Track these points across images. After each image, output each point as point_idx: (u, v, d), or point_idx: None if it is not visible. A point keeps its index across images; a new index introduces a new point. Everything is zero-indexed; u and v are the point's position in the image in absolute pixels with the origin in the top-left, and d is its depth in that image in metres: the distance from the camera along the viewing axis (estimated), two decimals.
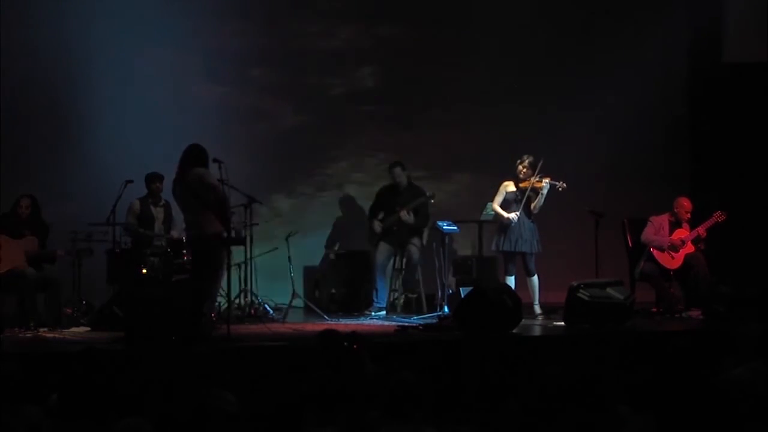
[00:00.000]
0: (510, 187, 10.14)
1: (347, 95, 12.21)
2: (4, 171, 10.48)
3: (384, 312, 10.59)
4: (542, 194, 9.96)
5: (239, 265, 10.13)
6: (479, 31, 12.35)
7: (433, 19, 12.35)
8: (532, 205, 10.02)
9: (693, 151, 12.58)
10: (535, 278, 10.11)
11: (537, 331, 9.27)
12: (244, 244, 10.09)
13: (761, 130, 11.92)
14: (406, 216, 10.64)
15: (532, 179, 10.00)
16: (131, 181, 9.87)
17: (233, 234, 9.28)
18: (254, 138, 11.86)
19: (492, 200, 10.29)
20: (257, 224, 10.23)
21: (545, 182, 9.91)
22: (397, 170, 10.84)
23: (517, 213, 9.98)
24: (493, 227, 10.40)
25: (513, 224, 10.00)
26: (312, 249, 11.37)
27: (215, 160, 8.94)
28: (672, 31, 12.38)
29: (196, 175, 8.41)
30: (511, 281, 9.97)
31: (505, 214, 10.04)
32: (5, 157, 10.61)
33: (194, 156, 8.56)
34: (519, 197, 10.05)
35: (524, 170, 10.08)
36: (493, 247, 10.22)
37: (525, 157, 10.11)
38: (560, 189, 9.92)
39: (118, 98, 11.38)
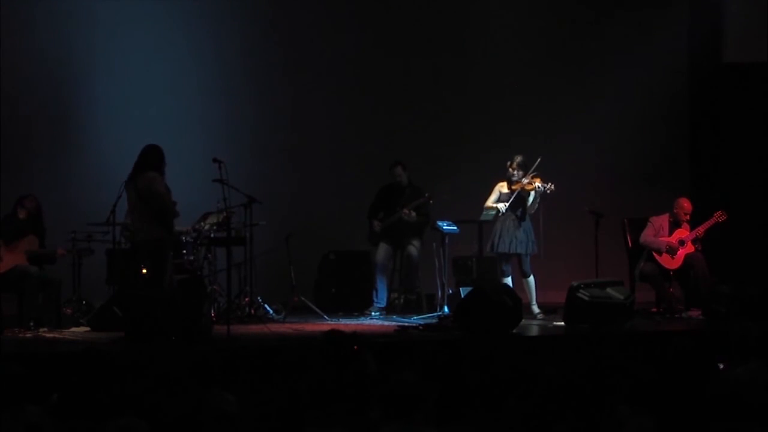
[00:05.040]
0: (504, 188, 10.13)
1: (348, 95, 12.21)
2: (4, 172, 10.48)
3: (384, 312, 10.59)
4: (535, 197, 9.94)
5: (239, 265, 10.14)
6: (480, 30, 12.37)
7: (435, 18, 12.36)
8: (529, 206, 10.02)
9: (693, 151, 12.58)
10: (531, 279, 10.11)
11: (537, 331, 9.27)
12: (244, 244, 10.11)
13: (761, 130, 11.92)
14: (408, 215, 10.64)
15: (524, 180, 9.99)
16: None
17: (233, 234, 9.34)
18: (255, 137, 11.87)
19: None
20: (257, 224, 10.22)
21: (536, 185, 9.90)
22: (398, 170, 10.84)
23: (506, 205, 9.97)
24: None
25: (501, 218, 9.98)
26: (312, 249, 11.37)
27: (215, 160, 8.96)
28: (672, 31, 12.39)
29: (146, 180, 8.40)
30: (508, 282, 9.96)
31: (492, 204, 10.04)
32: (5, 157, 10.62)
33: (148, 158, 8.52)
34: (510, 197, 10.04)
35: (514, 171, 10.06)
36: (488, 249, 10.22)
37: (515, 157, 10.09)
38: (548, 192, 9.90)
39: (118, 98, 11.39)
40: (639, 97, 12.12)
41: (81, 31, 11.35)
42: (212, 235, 9.95)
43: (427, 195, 10.71)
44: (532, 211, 10.05)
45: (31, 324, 9.03)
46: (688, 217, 10.30)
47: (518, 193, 9.97)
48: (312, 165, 12.09)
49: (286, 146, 12.04)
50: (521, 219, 10.04)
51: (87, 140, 11.38)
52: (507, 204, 9.97)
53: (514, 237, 10.01)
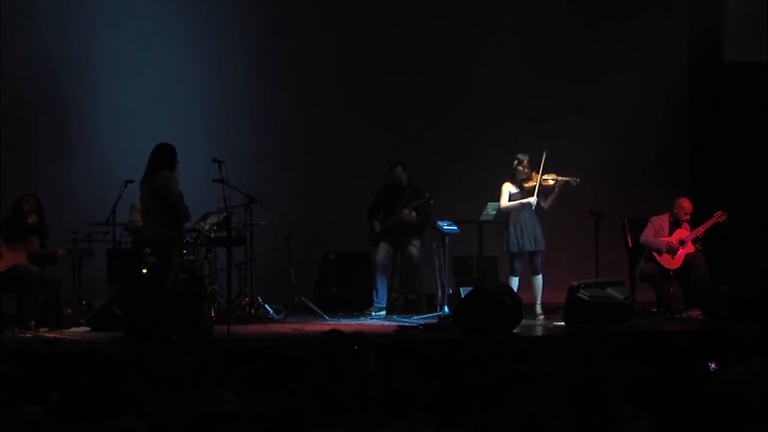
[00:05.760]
0: (512, 187, 10.13)
1: (348, 94, 12.21)
2: (4, 171, 10.49)
3: (384, 312, 10.59)
4: (557, 192, 9.97)
5: (239, 265, 10.14)
6: (481, 31, 12.37)
7: (436, 19, 12.37)
8: (543, 203, 10.04)
9: (693, 151, 12.58)
10: (540, 277, 10.12)
11: (537, 331, 9.29)
12: (245, 244, 10.11)
13: (761, 130, 11.92)
14: (408, 215, 10.64)
15: (538, 177, 9.99)
16: (131, 181, 9.86)
17: (234, 234, 9.34)
18: (255, 137, 11.88)
19: (492, 201, 10.31)
20: (257, 224, 10.23)
21: (560, 179, 9.93)
22: (398, 170, 10.85)
23: (536, 197, 9.96)
24: (493, 228, 10.41)
25: (516, 216, 9.99)
26: (312, 249, 11.38)
27: (215, 160, 8.96)
28: (672, 31, 12.40)
29: (161, 179, 8.41)
30: (515, 282, 9.97)
31: (523, 200, 10.00)
32: (6, 157, 10.63)
33: (161, 157, 8.53)
34: (527, 196, 10.03)
35: (524, 169, 10.07)
36: (513, 248, 10.08)
37: (521, 157, 10.11)
38: (575, 184, 9.94)
39: (119, 98, 11.40)
40: (639, 98, 12.13)
41: (82, 31, 11.36)
42: (212, 235, 9.95)
43: (427, 195, 10.71)
44: (546, 207, 10.07)
45: (33, 323, 9.03)
46: (688, 217, 10.30)
47: (537, 188, 9.97)
48: (312, 165, 12.09)
49: (286, 146, 12.05)
50: (537, 216, 10.06)
51: (87, 140, 11.39)
52: (535, 197, 9.94)
53: (536, 235, 10.02)
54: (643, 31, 12.26)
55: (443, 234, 10.47)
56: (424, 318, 10.08)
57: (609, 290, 9.22)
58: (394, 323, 9.71)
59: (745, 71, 12.02)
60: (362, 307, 10.73)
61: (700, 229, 10.23)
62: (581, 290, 9.15)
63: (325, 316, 10.20)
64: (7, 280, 9.19)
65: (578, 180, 9.97)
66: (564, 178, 9.96)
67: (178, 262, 9.23)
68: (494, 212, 10.29)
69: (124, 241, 9.98)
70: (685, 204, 10.32)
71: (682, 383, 4.44)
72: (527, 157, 10.08)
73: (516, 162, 10.11)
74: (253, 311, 10.10)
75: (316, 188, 12.03)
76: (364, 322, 10.05)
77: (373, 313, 10.53)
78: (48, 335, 8.81)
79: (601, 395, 4.44)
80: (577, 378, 4.51)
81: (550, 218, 10.36)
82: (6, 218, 9.50)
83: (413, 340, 8.54)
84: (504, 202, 10.11)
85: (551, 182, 9.99)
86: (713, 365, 5.44)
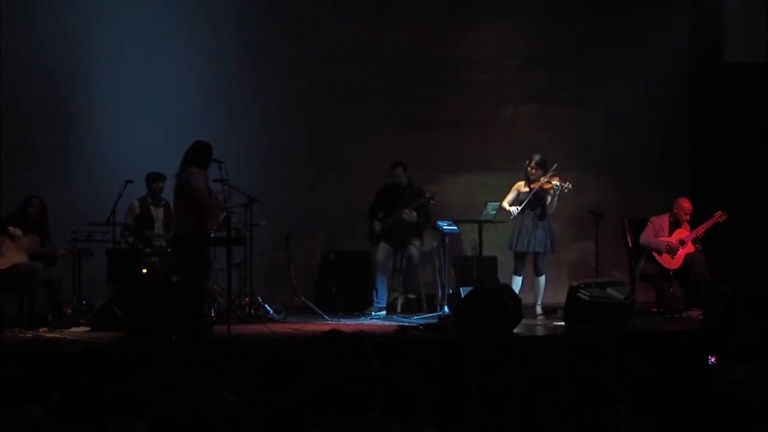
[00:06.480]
0: (522, 187, 10.16)
1: (348, 95, 12.20)
2: (4, 171, 10.48)
3: (384, 312, 10.59)
4: (553, 195, 9.98)
5: (239, 265, 10.14)
6: (481, 30, 12.36)
7: (435, 17, 12.35)
8: (548, 205, 10.06)
9: (693, 151, 12.57)
10: (543, 278, 10.13)
11: (537, 331, 9.29)
12: (245, 244, 10.11)
13: (761, 130, 11.91)
14: (409, 215, 10.65)
15: (542, 179, 10.01)
16: (131, 181, 9.88)
17: (234, 234, 9.35)
18: (256, 137, 11.86)
19: (492, 201, 10.33)
20: (257, 224, 10.23)
21: (554, 183, 9.94)
22: (398, 170, 10.85)
23: (518, 208, 10.01)
24: (493, 228, 10.41)
25: (520, 216, 10.02)
26: (312, 249, 11.37)
27: (215, 160, 8.95)
28: (672, 31, 12.38)
29: (186, 175, 8.45)
30: (518, 282, 9.98)
31: (507, 207, 10.08)
32: (5, 157, 10.62)
33: (192, 154, 8.60)
34: (529, 197, 10.07)
35: (532, 171, 10.09)
36: (508, 248, 10.25)
37: (534, 156, 10.14)
38: (566, 190, 9.95)
39: (119, 98, 11.38)
40: (639, 97, 12.11)
41: (81, 30, 11.33)
42: (212, 235, 9.94)
43: (427, 195, 10.72)
44: (551, 210, 10.08)
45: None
46: (688, 217, 10.31)
47: (536, 192, 9.99)
48: (312, 165, 12.08)
49: (287, 146, 12.02)
50: (540, 218, 10.06)
51: (87, 140, 11.37)
52: (519, 208, 10.00)
53: (533, 236, 10.04)
54: (643, 31, 12.25)
55: (443, 234, 10.47)
56: (424, 318, 10.08)
57: (609, 290, 9.22)
58: (394, 323, 9.71)
59: (745, 71, 12.01)
60: (362, 307, 10.73)
61: (700, 229, 10.24)
62: (581, 290, 9.15)
63: (325, 316, 10.20)
64: (7, 280, 9.18)
65: (570, 187, 9.97)
66: (558, 183, 9.95)
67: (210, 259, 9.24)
68: (494, 212, 10.30)
69: (124, 241, 9.98)
70: (685, 204, 10.33)
71: (682, 383, 4.45)
72: (537, 158, 10.09)
73: (527, 161, 10.16)
74: (253, 311, 10.10)
75: (316, 188, 12.01)
76: (364, 322, 10.04)
77: (373, 313, 10.53)
78: (48, 335, 8.81)
79: (601, 395, 4.44)
80: (577, 378, 4.51)
81: (550, 218, 10.36)
82: (8, 216, 9.51)
83: (413, 340, 8.54)
84: (507, 200, 10.18)
85: (546, 186, 10.01)
86: (713, 359, 5.45)
